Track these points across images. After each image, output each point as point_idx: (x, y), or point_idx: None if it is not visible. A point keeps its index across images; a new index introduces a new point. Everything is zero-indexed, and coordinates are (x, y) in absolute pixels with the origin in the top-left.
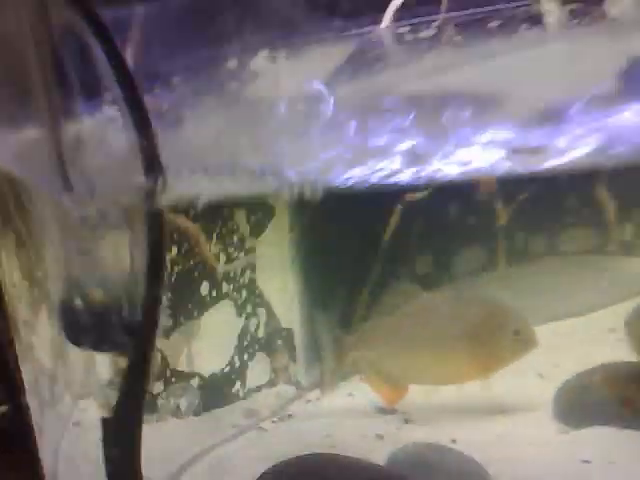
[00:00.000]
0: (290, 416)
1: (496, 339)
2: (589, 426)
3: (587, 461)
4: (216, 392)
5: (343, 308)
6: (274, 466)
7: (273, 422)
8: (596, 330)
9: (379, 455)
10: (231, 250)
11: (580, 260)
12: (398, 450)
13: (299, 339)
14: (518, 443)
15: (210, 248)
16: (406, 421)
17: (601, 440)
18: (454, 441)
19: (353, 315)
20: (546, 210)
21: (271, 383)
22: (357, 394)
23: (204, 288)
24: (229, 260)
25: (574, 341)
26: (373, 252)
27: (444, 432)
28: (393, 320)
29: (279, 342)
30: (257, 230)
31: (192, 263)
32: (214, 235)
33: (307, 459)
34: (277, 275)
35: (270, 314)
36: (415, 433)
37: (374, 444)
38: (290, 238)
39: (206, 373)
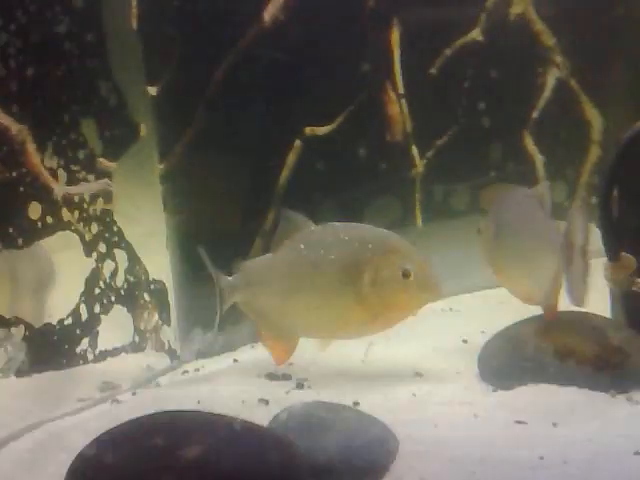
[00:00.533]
0: (156, 384)
1: (383, 280)
2: (521, 384)
3: (521, 422)
4: (52, 349)
5: (230, 250)
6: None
7: (133, 394)
8: None
9: (261, 420)
10: (75, 169)
11: None
12: (282, 410)
13: (173, 295)
14: (434, 405)
15: (43, 160)
16: (299, 385)
17: (537, 399)
18: (356, 403)
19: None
20: (467, 161)
21: (135, 347)
22: (243, 360)
23: (34, 210)
24: (72, 181)
25: (505, 308)
26: (267, 193)
27: (344, 395)
28: (277, 257)
29: (146, 296)
30: (114, 150)
31: (15, 175)
32: (49, 144)
33: (152, 417)
34: (144, 212)
35: (133, 259)
36: (308, 397)
37: (256, 409)
38: (162, 170)
39: (37, 322)
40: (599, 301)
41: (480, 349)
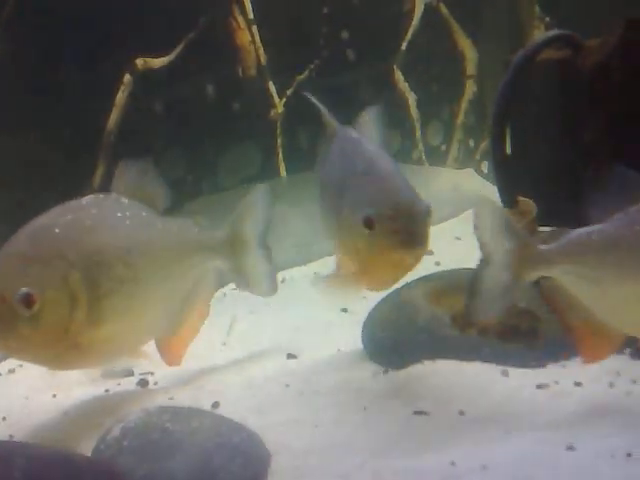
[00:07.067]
0: None
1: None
2: (415, 362)
3: (422, 412)
4: None
5: None
6: None
7: None
8: None
9: (86, 439)
10: None
11: None
12: (115, 423)
13: None
14: (312, 397)
15: None
16: (143, 382)
17: (436, 380)
18: (216, 404)
19: None
20: (333, 100)
21: None
22: None
23: None
24: None
25: None
26: (92, 142)
27: (200, 393)
28: None
29: None
30: None
31: None
32: None
33: None
34: None
35: None
36: (153, 399)
37: (81, 422)
38: None
39: None
40: None
41: (363, 319)
